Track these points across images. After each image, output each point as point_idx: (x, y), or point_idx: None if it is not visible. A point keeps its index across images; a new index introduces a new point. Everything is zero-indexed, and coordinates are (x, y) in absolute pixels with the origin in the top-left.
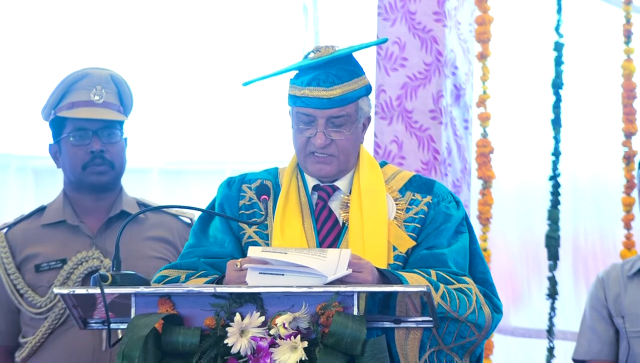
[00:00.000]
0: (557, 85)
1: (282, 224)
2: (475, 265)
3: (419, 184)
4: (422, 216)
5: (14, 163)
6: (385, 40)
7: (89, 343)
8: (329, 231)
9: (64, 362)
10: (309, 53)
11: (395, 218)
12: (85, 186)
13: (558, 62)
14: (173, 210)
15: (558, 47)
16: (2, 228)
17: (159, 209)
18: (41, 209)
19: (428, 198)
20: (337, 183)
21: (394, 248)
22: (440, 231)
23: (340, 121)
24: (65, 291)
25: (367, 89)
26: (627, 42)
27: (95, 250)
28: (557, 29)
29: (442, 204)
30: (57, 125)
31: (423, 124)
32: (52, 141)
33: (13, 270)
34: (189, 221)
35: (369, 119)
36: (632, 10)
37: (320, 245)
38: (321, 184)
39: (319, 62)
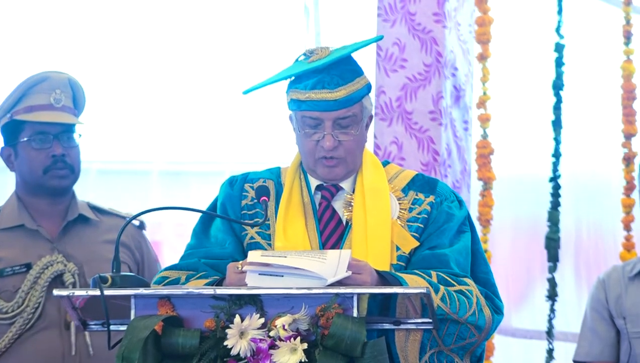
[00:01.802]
0: (557, 86)
1: (284, 225)
2: (478, 265)
3: (421, 184)
4: (425, 216)
5: None
6: (381, 38)
7: (58, 347)
8: (332, 230)
9: None
10: (300, 56)
11: (398, 217)
12: (44, 190)
13: (558, 63)
14: (123, 213)
15: (558, 48)
16: None
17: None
18: None
19: (431, 198)
20: (340, 183)
21: (397, 248)
22: (443, 231)
23: (346, 122)
24: (65, 293)
25: (368, 88)
26: (627, 43)
27: (57, 254)
28: (557, 30)
29: (445, 204)
30: (13, 128)
31: (423, 126)
32: (2, 144)
33: None
34: (137, 223)
35: (371, 117)
36: (632, 11)
37: (324, 244)
38: (324, 184)
39: (321, 66)
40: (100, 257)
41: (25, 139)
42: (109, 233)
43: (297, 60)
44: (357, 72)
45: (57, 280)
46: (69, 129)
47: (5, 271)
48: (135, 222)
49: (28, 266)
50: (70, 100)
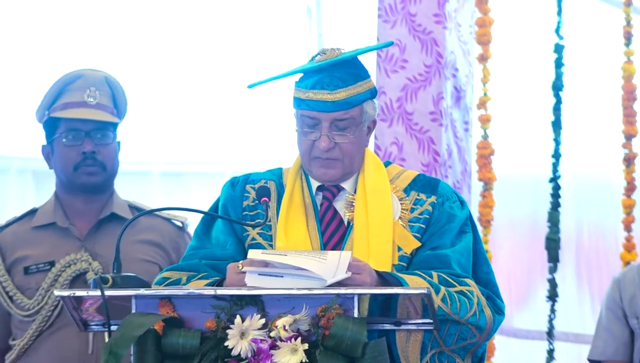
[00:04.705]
0: (557, 87)
1: (286, 226)
2: (479, 265)
3: (423, 184)
4: (427, 216)
5: (15, 165)
6: (391, 44)
7: (75, 346)
8: (333, 231)
9: None
10: (315, 56)
11: (400, 217)
12: (77, 187)
13: (558, 64)
14: (165, 213)
15: (558, 49)
16: None
17: (151, 212)
18: (32, 212)
19: (432, 198)
20: (342, 183)
21: (399, 249)
22: (444, 231)
23: (344, 124)
24: (66, 293)
25: (372, 93)
26: (627, 44)
27: (84, 252)
28: (557, 30)
29: (447, 204)
30: (51, 126)
31: (423, 126)
32: (45, 143)
33: (2, 272)
34: (180, 224)
35: (374, 122)
36: (633, 12)
37: (325, 245)
38: (326, 185)
39: (323, 65)
40: (129, 257)
41: (58, 136)
42: (144, 233)
43: (312, 60)
44: (360, 76)
45: (80, 279)
46: (102, 126)
47: (30, 269)
48: (177, 223)
49: (52, 264)
50: (107, 98)
